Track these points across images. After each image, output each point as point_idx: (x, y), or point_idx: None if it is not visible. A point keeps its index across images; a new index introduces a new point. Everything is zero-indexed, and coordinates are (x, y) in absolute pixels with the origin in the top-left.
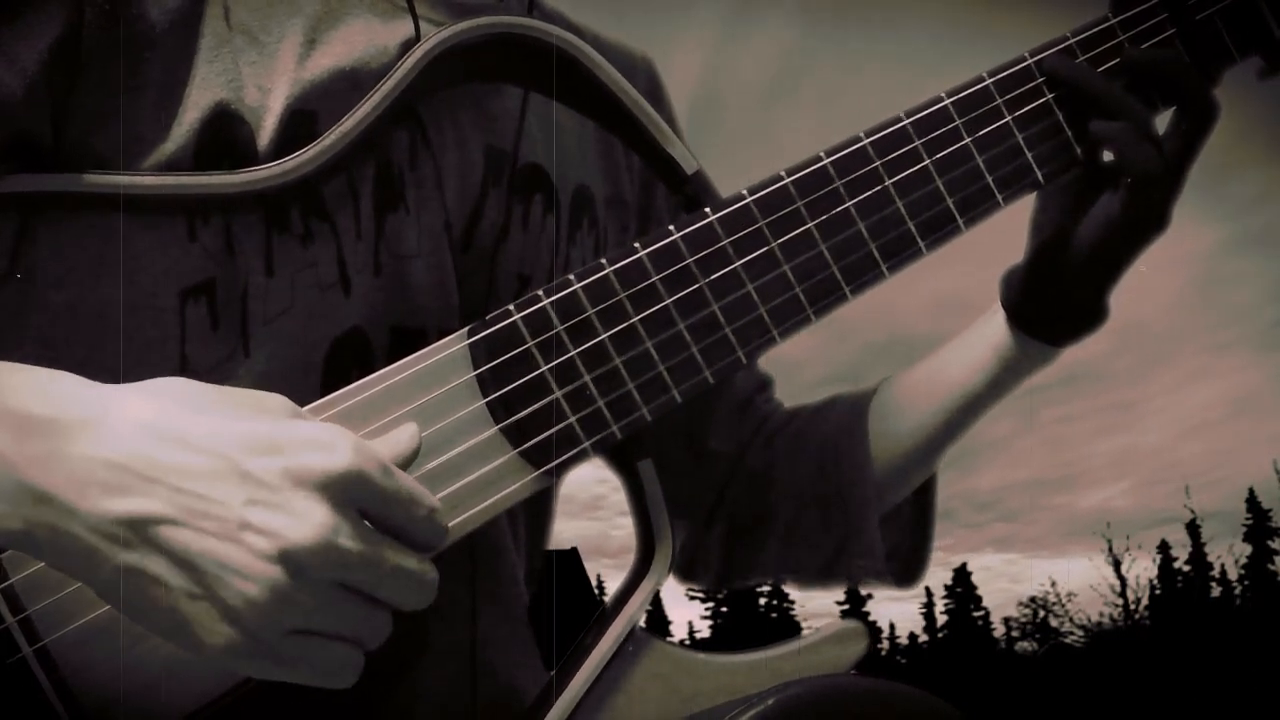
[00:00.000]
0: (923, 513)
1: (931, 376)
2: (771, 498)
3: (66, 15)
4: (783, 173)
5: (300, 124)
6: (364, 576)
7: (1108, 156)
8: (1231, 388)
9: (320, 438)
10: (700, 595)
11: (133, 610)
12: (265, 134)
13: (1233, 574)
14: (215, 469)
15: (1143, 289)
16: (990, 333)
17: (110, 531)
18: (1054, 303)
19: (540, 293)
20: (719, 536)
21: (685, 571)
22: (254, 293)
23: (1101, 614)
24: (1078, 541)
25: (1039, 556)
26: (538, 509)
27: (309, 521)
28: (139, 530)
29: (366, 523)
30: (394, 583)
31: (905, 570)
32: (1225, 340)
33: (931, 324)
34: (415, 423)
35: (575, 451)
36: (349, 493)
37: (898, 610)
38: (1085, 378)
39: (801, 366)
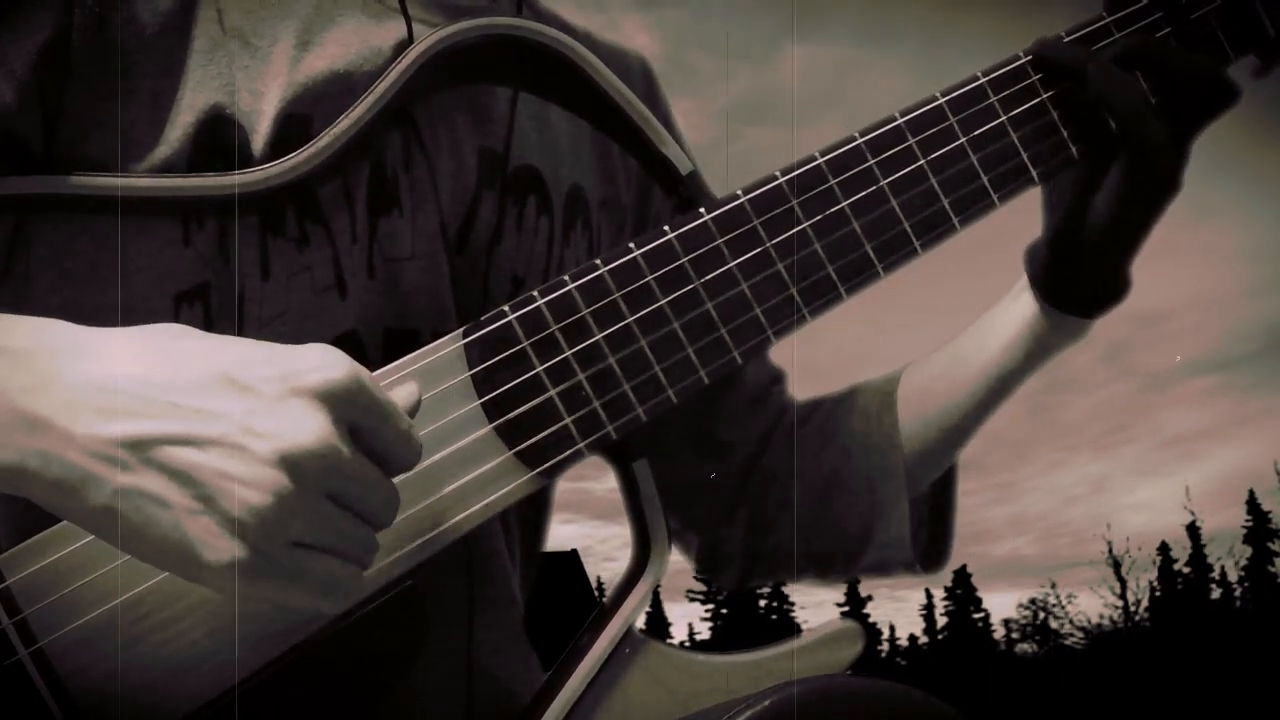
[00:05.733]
0: (945, 499)
1: (961, 359)
2: (794, 492)
3: (56, 18)
4: (777, 172)
5: (294, 127)
6: (353, 488)
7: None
8: (1088, 474)
9: (314, 352)
10: (700, 597)
11: (130, 537)
12: (260, 138)
13: (1232, 575)
14: (211, 383)
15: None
16: (1020, 310)
17: (108, 454)
18: (1079, 276)
19: (535, 293)
20: (741, 532)
21: (708, 568)
22: (249, 296)
23: (1101, 615)
24: (999, 578)
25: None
26: (532, 514)
27: (309, 428)
28: (137, 450)
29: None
30: (374, 497)
31: (931, 557)
32: (1072, 444)
33: None
34: (416, 381)
35: (570, 452)
36: (344, 404)
37: (898, 611)
38: (968, 466)
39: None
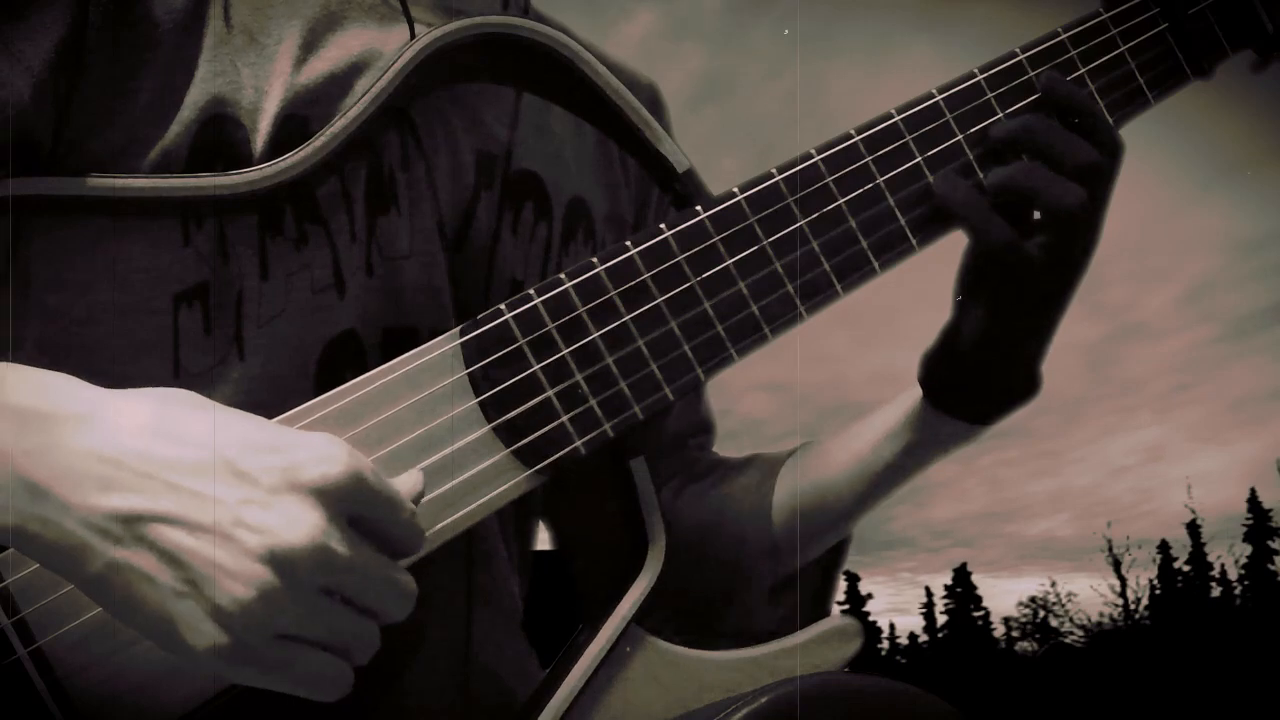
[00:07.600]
0: (825, 574)
1: (847, 444)
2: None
3: (72, 15)
4: (773, 170)
5: (293, 129)
6: (350, 582)
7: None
8: (1142, 440)
9: (316, 443)
10: None
11: (120, 609)
12: (260, 137)
13: (1233, 574)
14: (209, 466)
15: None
16: (907, 404)
17: (102, 526)
18: (975, 379)
19: (532, 291)
20: None
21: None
22: (248, 296)
23: (1101, 614)
24: (1030, 562)
25: (999, 577)
26: (523, 512)
27: (302, 524)
28: (130, 526)
29: (353, 530)
30: (378, 590)
31: (807, 622)
32: (1129, 404)
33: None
34: (420, 472)
35: (568, 450)
36: (342, 500)
37: (898, 610)
38: (1013, 433)
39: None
